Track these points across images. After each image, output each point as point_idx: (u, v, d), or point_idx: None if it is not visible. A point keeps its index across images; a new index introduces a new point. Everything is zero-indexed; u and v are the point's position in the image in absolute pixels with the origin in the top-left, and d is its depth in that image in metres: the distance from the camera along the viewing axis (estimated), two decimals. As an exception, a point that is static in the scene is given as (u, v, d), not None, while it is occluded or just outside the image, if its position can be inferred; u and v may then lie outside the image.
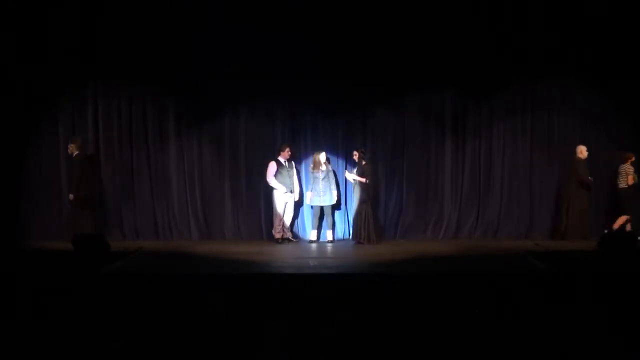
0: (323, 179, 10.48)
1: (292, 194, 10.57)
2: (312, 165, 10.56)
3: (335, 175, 10.78)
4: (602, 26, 10.20)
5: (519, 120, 11.05)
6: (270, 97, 10.86)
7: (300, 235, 11.01)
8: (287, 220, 10.64)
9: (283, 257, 9.32)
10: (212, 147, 11.02)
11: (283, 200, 10.50)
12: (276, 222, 10.54)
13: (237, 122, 10.99)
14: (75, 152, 10.27)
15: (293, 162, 10.70)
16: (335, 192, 10.62)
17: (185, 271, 7.89)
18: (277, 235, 10.50)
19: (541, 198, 10.99)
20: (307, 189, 10.73)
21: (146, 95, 10.86)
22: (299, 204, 10.89)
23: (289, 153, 10.52)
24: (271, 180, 10.43)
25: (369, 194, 10.20)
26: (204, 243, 10.47)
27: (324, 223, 10.73)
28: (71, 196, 10.22)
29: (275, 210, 10.52)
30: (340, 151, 11.04)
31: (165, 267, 8.28)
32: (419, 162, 11.06)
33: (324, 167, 10.50)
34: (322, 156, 10.52)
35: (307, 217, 11.00)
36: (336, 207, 10.85)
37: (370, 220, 10.21)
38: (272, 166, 10.43)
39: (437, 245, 10.24)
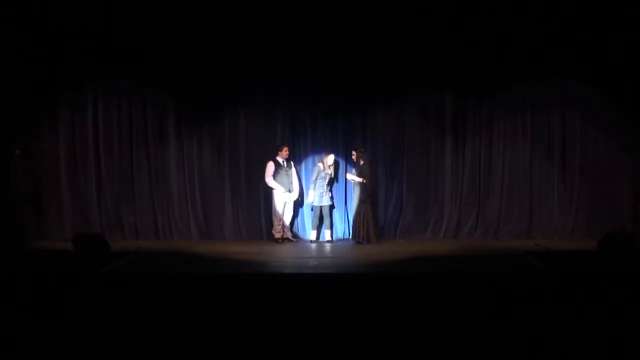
0: (328, 181, 10.50)
1: (291, 194, 10.57)
2: (322, 166, 10.56)
3: (333, 180, 10.80)
4: (603, 26, 10.18)
5: (519, 120, 11.03)
6: (271, 97, 10.87)
7: (301, 235, 11.00)
8: (287, 220, 10.65)
9: (283, 257, 9.32)
10: (212, 146, 11.01)
11: (282, 200, 10.51)
12: (276, 222, 10.55)
13: (237, 122, 10.99)
14: (17, 151, 10.23)
15: (292, 162, 10.70)
16: (330, 194, 10.67)
17: (185, 271, 7.88)
18: (277, 235, 10.51)
19: (541, 198, 10.98)
20: (309, 189, 10.71)
21: (146, 95, 10.85)
22: (298, 204, 10.88)
23: (287, 153, 10.52)
24: (269, 180, 10.44)
25: (367, 194, 10.20)
26: (204, 243, 10.47)
27: (323, 223, 10.72)
28: (10, 196, 10.13)
29: (275, 210, 10.52)
30: (341, 151, 11.03)
31: (165, 267, 8.27)
32: (419, 162, 11.05)
33: (329, 170, 10.51)
34: (329, 158, 10.53)
35: (307, 217, 10.99)
36: (333, 207, 10.86)
37: (370, 219, 10.21)
38: (270, 166, 10.44)
39: (437, 245, 10.24)
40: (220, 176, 11.04)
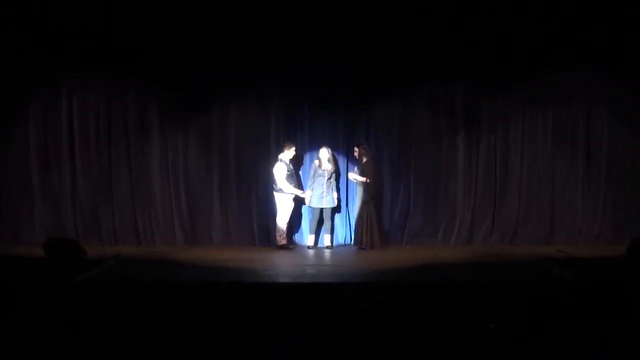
0: (328, 178, 10.48)
1: (303, 196, 10.55)
2: (317, 163, 10.54)
3: (338, 176, 10.78)
4: (634, 14, 10.13)
5: (539, 114, 11.03)
6: (264, 87, 10.82)
7: (297, 241, 10.99)
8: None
9: (277, 264, 9.32)
10: (199, 142, 10.99)
11: (290, 205, 10.48)
12: (282, 228, 10.45)
13: (227, 114, 10.96)
14: None
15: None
16: (336, 195, 10.62)
17: (169, 280, 7.87)
18: (283, 242, 10.45)
19: (564, 199, 10.98)
20: (306, 189, 10.68)
21: (126, 85, 10.80)
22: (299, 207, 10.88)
23: (294, 151, 10.49)
24: (285, 185, 10.33)
25: (371, 195, 10.20)
26: (189, 249, 10.46)
27: (323, 227, 10.70)
28: None
29: (282, 215, 10.44)
30: (341, 148, 11.03)
31: (146, 274, 8.27)
32: (428, 160, 11.04)
33: (326, 166, 10.48)
34: (323, 153, 10.50)
35: (305, 221, 10.98)
36: (336, 210, 10.84)
37: (374, 223, 10.22)
38: (282, 168, 10.35)
39: (448, 251, 10.25)
40: (208, 175, 11.02)
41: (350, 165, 10.91)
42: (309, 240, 10.72)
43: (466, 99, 10.98)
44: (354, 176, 10.38)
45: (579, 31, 10.42)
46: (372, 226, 10.22)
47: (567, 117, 10.99)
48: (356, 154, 10.44)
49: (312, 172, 10.58)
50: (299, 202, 10.73)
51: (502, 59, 10.68)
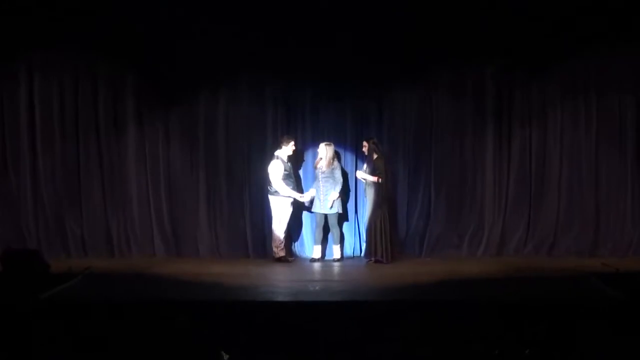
0: (324, 179, 10.47)
1: (302, 199, 10.57)
2: (316, 162, 10.55)
3: (344, 176, 10.78)
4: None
5: (581, 103, 11.03)
6: (260, 71, 10.85)
7: (298, 253, 10.99)
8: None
9: (274, 280, 9.31)
10: (183, 135, 11.03)
11: (288, 210, 10.49)
12: (280, 237, 10.46)
13: (216, 104, 11.01)
14: None
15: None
16: (334, 196, 10.52)
17: (147, 298, 7.86)
18: (281, 254, 10.46)
19: (611, 204, 10.96)
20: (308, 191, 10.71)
21: (97, 69, 10.83)
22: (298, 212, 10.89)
23: (294, 147, 10.48)
24: (281, 186, 10.35)
25: (384, 197, 10.17)
26: (171, 262, 10.49)
27: (330, 236, 10.71)
28: None
29: (279, 222, 10.46)
30: (349, 142, 11.07)
31: (120, 292, 8.26)
32: (451, 157, 11.07)
33: (323, 164, 10.47)
34: (321, 149, 10.52)
35: (307, 228, 10.98)
36: (345, 217, 10.85)
37: (387, 231, 10.18)
38: (278, 167, 10.35)
39: (474, 264, 10.22)
40: (194, 174, 11.05)
41: (359, 163, 10.91)
42: (315, 251, 10.70)
43: (495, 85, 11.00)
44: (363, 175, 10.35)
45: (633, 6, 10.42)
46: (384, 234, 10.16)
47: (615, 108, 10.97)
48: (365, 149, 10.42)
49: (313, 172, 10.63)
50: (299, 206, 10.74)
51: (537, 36, 10.65)
